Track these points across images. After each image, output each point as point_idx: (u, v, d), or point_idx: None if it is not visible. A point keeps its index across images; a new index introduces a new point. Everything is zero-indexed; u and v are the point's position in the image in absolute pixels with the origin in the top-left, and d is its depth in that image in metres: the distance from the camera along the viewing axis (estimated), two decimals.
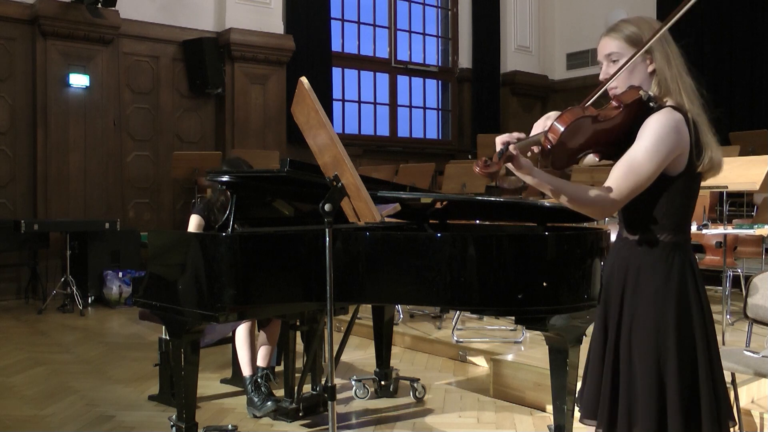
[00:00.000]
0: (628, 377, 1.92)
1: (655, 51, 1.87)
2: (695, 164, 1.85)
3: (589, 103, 1.84)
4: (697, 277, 1.93)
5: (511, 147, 1.75)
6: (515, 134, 1.79)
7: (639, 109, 1.86)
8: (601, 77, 1.93)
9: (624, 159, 1.83)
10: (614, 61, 1.90)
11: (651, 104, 1.86)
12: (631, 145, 1.83)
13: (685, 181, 1.87)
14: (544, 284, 2.65)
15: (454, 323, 5.04)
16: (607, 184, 1.83)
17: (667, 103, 1.88)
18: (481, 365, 4.65)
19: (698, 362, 1.88)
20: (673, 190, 1.87)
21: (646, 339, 1.89)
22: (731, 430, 1.99)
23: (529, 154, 1.83)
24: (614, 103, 1.86)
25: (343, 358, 4.43)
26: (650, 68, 1.90)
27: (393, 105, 10.94)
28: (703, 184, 1.97)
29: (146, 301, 3.28)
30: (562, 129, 1.76)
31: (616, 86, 1.91)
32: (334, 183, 2.35)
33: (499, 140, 1.77)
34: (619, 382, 1.94)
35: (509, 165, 1.76)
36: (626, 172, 1.81)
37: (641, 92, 1.86)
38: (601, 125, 1.84)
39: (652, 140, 1.80)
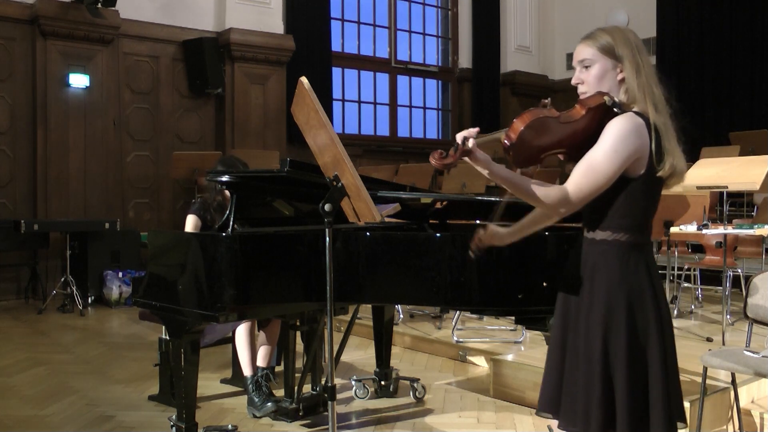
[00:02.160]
0: (585, 373, 1.97)
1: (625, 60, 1.95)
2: (655, 168, 1.91)
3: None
4: (653, 278, 1.97)
5: (469, 142, 1.82)
6: (473, 130, 1.86)
7: (603, 114, 1.93)
8: (573, 82, 2.03)
9: (584, 159, 1.90)
10: (587, 68, 1.99)
11: (615, 110, 1.93)
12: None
13: (645, 184, 1.93)
14: (544, 284, 2.65)
15: (454, 323, 5.04)
16: (567, 183, 1.89)
17: (632, 110, 1.94)
18: (481, 365, 4.65)
19: (650, 365, 1.93)
20: (632, 191, 1.93)
21: (595, 337, 1.95)
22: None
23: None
24: (578, 107, 1.94)
25: (343, 358, 4.43)
26: (620, 76, 1.97)
27: (393, 105, 10.94)
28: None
29: (146, 301, 3.28)
30: (521, 128, 1.83)
31: (586, 91, 1.98)
32: (334, 183, 2.36)
33: (459, 135, 1.84)
34: (577, 378, 1.99)
35: (466, 159, 1.83)
36: (585, 172, 1.88)
37: (605, 98, 1.93)
38: (563, 127, 1.91)
39: (611, 142, 1.87)
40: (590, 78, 1.98)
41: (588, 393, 1.95)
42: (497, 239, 2.16)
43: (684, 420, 2.00)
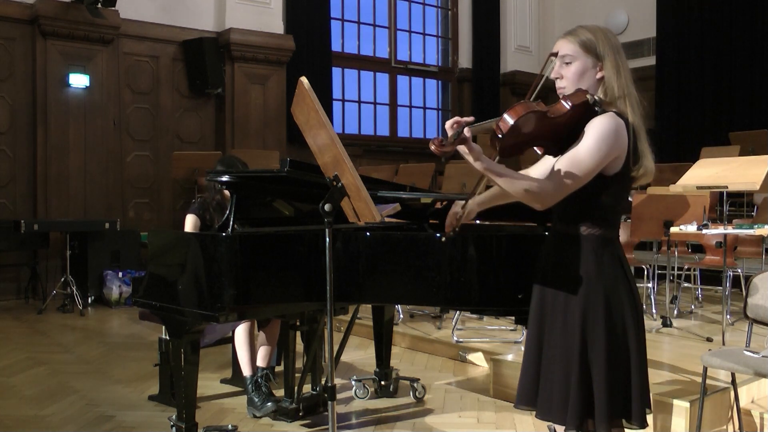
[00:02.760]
0: (563, 365, 2.02)
1: (606, 60, 2.00)
2: (630, 168, 1.98)
3: (531, 98, 1.96)
4: (626, 270, 2.04)
5: (465, 130, 1.84)
6: (466, 118, 1.87)
7: (584, 111, 1.97)
8: (552, 75, 2.06)
9: (568, 155, 1.94)
10: (567, 63, 2.03)
11: (596, 108, 1.97)
12: (573, 143, 1.95)
13: (619, 182, 1.99)
14: None
15: (454, 323, 5.04)
16: (549, 177, 1.94)
17: (612, 110, 1.98)
18: (481, 365, 4.65)
19: (630, 353, 1.99)
20: (607, 188, 1.99)
21: (574, 330, 2.00)
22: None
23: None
24: (563, 103, 1.97)
25: (343, 358, 4.43)
26: (599, 75, 2.01)
27: (393, 105, 10.94)
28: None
29: (146, 301, 3.28)
30: (512, 120, 1.86)
31: (565, 87, 2.03)
32: (334, 183, 2.35)
33: (449, 123, 1.85)
34: (554, 370, 2.04)
35: (460, 147, 1.85)
36: (569, 167, 1.92)
37: (588, 96, 1.97)
38: (549, 121, 1.96)
39: (594, 139, 1.92)
40: (570, 74, 2.02)
41: (566, 384, 1.99)
42: (472, 216, 2.24)
43: (650, 407, 2.06)
